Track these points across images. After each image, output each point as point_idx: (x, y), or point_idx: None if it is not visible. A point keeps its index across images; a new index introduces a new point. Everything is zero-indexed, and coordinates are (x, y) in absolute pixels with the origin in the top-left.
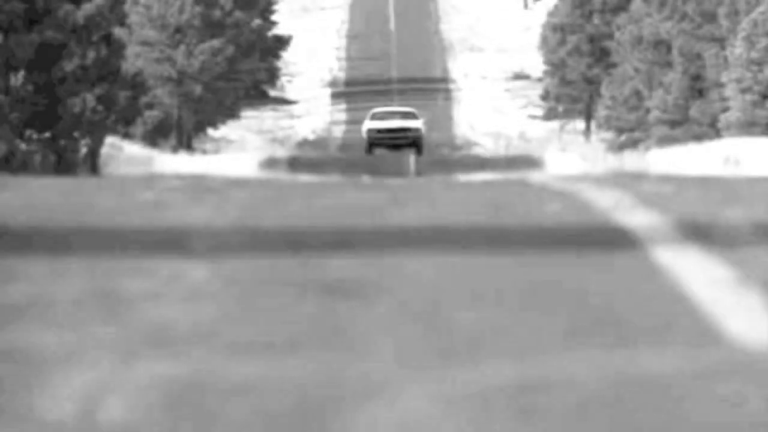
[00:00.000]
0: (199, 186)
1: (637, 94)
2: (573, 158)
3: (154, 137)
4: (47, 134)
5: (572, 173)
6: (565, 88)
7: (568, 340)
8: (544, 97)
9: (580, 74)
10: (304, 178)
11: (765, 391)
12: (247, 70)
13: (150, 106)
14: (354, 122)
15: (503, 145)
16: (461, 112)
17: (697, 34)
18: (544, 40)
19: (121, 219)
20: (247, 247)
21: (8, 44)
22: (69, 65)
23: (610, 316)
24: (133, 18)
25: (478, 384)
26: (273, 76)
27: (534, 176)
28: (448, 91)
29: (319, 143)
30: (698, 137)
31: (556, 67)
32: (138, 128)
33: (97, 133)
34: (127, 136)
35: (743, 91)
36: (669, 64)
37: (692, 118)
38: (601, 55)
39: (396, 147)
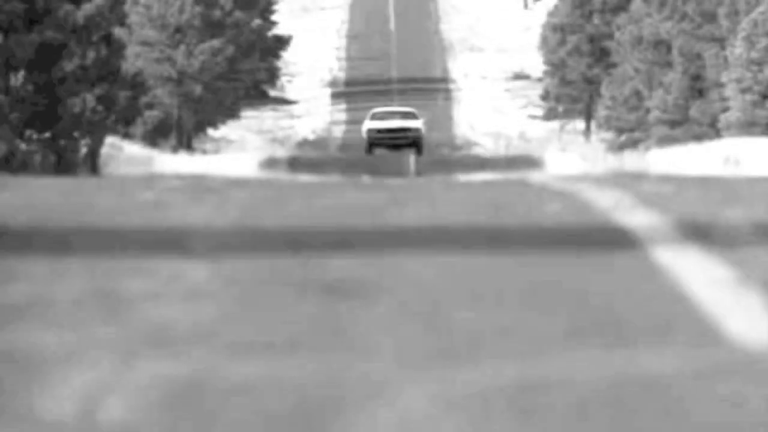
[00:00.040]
0: (199, 186)
1: (637, 94)
2: (573, 158)
3: (154, 137)
4: (47, 134)
5: (572, 173)
6: (565, 88)
7: (568, 340)
8: (544, 97)
9: (580, 74)
10: (304, 178)
11: (765, 391)
12: (247, 70)
13: (150, 106)
14: (354, 122)
15: (503, 145)
16: (461, 112)
17: (697, 34)
18: (544, 40)
19: (121, 219)
20: (247, 247)
21: (8, 44)
22: (69, 65)
23: (610, 316)
24: (133, 18)
25: (478, 384)
26: (273, 76)
27: (534, 176)
28: (448, 91)
29: (319, 143)
30: (698, 137)
31: (556, 67)
32: (138, 128)
33: (97, 133)
34: (127, 136)
35: (743, 91)
36: (669, 64)
37: (692, 118)
38: (601, 55)
39: (396, 147)
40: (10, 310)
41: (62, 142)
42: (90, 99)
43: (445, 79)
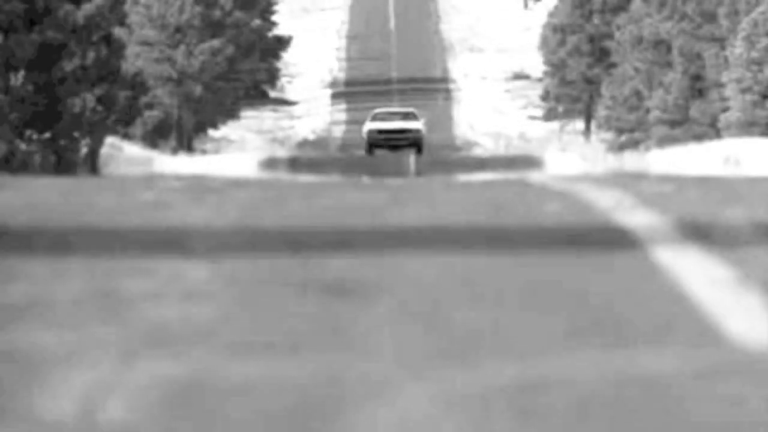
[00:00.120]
0: (199, 186)
1: (637, 94)
2: (573, 158)
3: (154, 137)
4: (47, 134)
5: (572, 173)
6: (565, 88)
7: (568, 340)
8: (544, 97)
9: (580, 74)
10: (304, 178)
11: (765, 391)
12: (247, 71)
13: (150, 106)
14: (354, 122)
15: (503, 145)
16: (461, 112)
17: (697, 34)
18: (544, 41)
19: (121, 219)
20: (247, 247)
21: (8, 44)
22: (69, 65)
23: (610, 316)
24: (133, 18)
25: (478, 384)
26: (273, 76)
27: (534, 176)
28: (448, 91)
29: (319, 143)
30: (698, 137)
31: (556, 67)
32: (138, 128)
33: (97, 133)
34: (126, 136)
35: (743, 91)
36: (669, 64)
37: (692, 118)
38: (601, 55)
39: (396, 148)
40: (10, 310)
41: (62, 142)
42: (90, 99)
43: (445, 79)
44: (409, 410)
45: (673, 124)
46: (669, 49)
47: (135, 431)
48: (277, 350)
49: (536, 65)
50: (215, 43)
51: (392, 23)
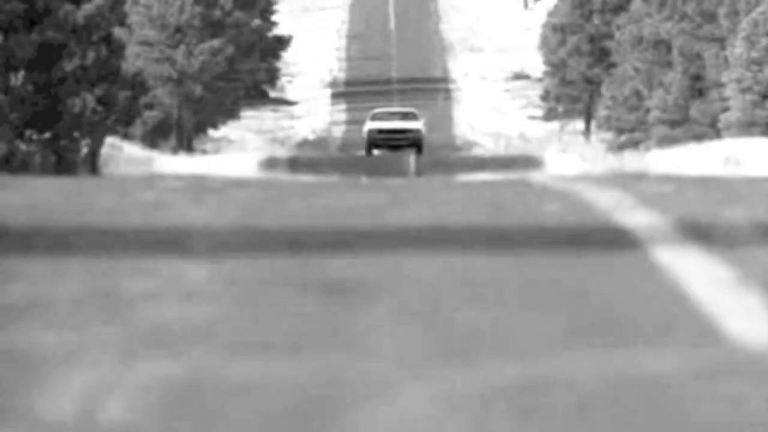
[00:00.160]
0: (199, 186)
1: (637, 94)
2: (573, 159)
3: (154, 138)
4: (47, 134)
5: (572, 173)
6: (565, 88)
7: (568, 340)
8: (544, 97)
9: (580, 74)
10: (304, 178)
11: (765, 391)
12: (247, 70)
13: (150, 106)
14: (354, 122)
15: (503, 145)
16: (461, 112)
17: (697, 34)
18: (544, 40)
19: (121, 219)
20: (247, 247)
21: (8, 44)
22: (69, 65)
23: (610, 316)
24: (133, 18)
25: (478, 384)
26: (273, 76)
27: (534, 176)
28: (448, 91)
29: (319, 143)
30: (698, 137)
31: (556, 67)
32: (138, 128)
33: (97, 133)
34: (126, 136)
35: (743, 91)
36: (669, 64)
37: (692, 118)
38: (601, 55)
39: (396, 148)
40: (10, 310)
41: (62, 142)
42: (90, 99)
43: (445, 79)
44: (409, 410)
45: (673, 124)
46: (669, 49)
47: (135, 431)
48: (277, 350)
49: (536, 65)
50: (215, 43)
51: (392, 23)
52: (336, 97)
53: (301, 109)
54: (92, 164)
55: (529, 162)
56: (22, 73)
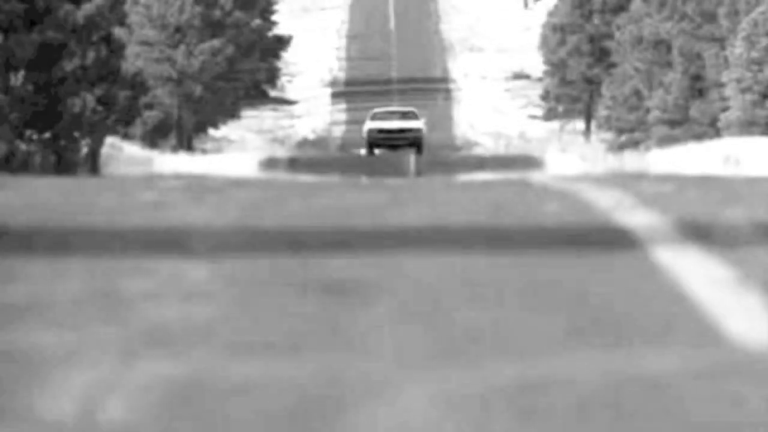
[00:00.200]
0: (199, 186)
1: (637, 94)
2: (573, 159)
3: (154, 137)
4: (47, 134)
5: (572, 173)
6: (565, 88)
7: (568, 340)
8: (544, 97)
9: (580, 74)
10: (304, 178)
11: (765, 391)
12: (247, 70)
13: (150, 106)
14: (354, 122)
15: (503, 145)
16: (461, 112)
17: (697, 34)
18: (544, 40)
19: (121, 219)
20: (247, 247)
21: (8, 44)
22: (69, 65)
23: (610, 316)
24: (133, 18)
25: (478, 384)
26: (273, 76)
27: (534, 176)
28: (448, 91)
29: (319, 143)
30: (698, 137)
31: (556, 67)
32: (138, 128)
33: (97, 133)
34: (126, 136)
35: (743, 90)
36: (669, 64)
37: (692, 118)
38: (601, 55)
39: (396, 147)
40: (10, 310)
41: (62, 142)
42: (90, 99)
43: (445, 79)
44: (409, 410)
45: (673, 124)
46: (669, 49)
47: (135, 431)
48: (277, 350)
49: (536, 65)
50: (215, 43)
51: (392, 23)
52: (336, 96)
53: (301, 108)
54: (92, 164)
55: (529, 162)
56: (22, 73)
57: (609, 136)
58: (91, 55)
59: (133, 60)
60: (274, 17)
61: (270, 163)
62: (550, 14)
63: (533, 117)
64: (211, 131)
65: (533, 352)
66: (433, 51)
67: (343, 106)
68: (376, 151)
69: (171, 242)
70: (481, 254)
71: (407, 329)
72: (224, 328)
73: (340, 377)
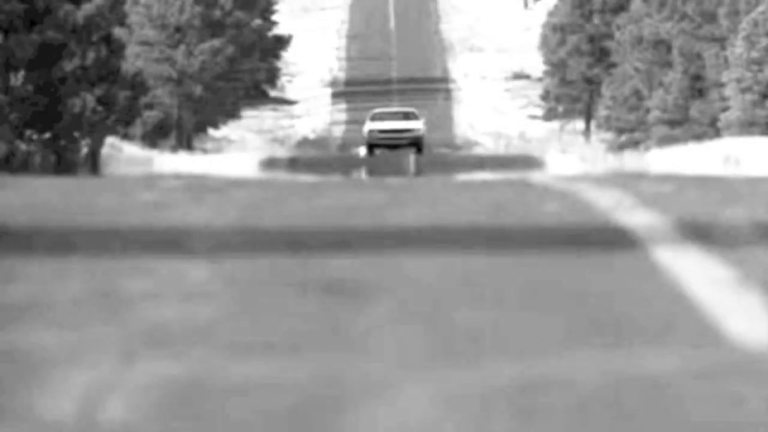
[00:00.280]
0: (199, 186)
1: (637, 94)
2: (572, 160)
3: (154, 137)
4: (47, 134)
5: (572, 173)
6: (565, 88)
7: (568, 340)
8: (544, 97)
9: (580, 74)
10: (304, 178)
11: (765, 391)
12: (247, 70)
13: (150, 106)
14: (354, 122)
15: (503, 145)
16: (461, 112)
17: (697, 34)
18: (544, 40)
19: (121, 219)
20: (247, 247)
21: (8, 44)
22: (69, 65)
23: (610, 316)
24: (133, 18)
25: (478, 384)
26: (273, 76)
27: (534, 176)
28: (448, 91)
29: (319, 143)
30: (698, 137)
31: (556, 67)
32: (138, 129)
33: (97, 133)
34: (126, 136)
35: (743, 90)
36: (669, 64)
37: (692, 118)
38: (601, 55)
39: (397, 148)
40: (10, 310)
41: (62, 142)
42: (90, 99)
43: (445, 79)
44: (409, 410)
45: (673, 124)
46: (669, 49)
47: (135, 431)
48: (277, 350)
49: (536, 65)
50: (215, 43)
51: (392, 23)
52: (336, 96)
53: (301, 108)
54: (92, 164)
55: (529, 162)
56: (22, 73)
57: (609, 136)
58: (91, 55)
59: (133, 60)
60: (274, 17)
61: (270, 163)
62: (550, 14)
63: (533, 117)
64: (211, 131)
65: (533, 352)
66: (433, 51)
67: (343, 106)
68: (377, 152)
69: (171, 242)
70: (481, 254)
71: (407, 329)
72: (224, 328)
73: (340, 377)
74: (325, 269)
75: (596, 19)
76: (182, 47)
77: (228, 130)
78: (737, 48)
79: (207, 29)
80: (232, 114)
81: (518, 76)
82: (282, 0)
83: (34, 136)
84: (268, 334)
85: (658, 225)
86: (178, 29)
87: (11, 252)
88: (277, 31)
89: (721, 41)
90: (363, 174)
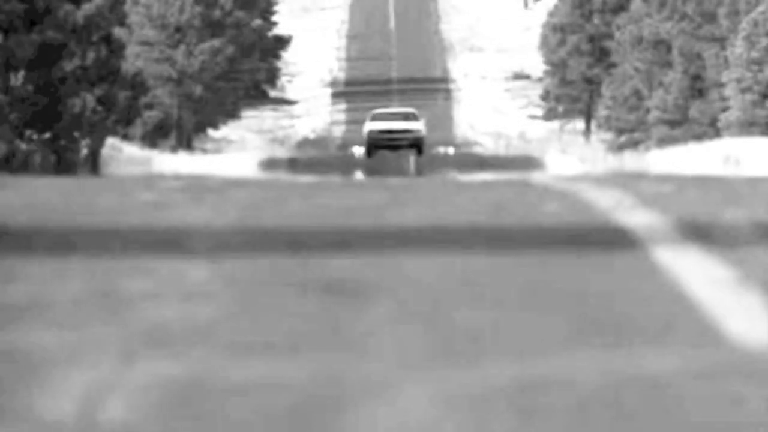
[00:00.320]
0: (199, 186)
1: (637, 94)
2: (572, 160)
3: (154, 138)
4: (47, 134)
5: (572, 173)
6: (565, 88)
7: (568, 340)
8: (544, 97)
9: (580, 74)
10: (304, 178)
11: (765, 391)
12: (247, 70)
13: (150, 106)
14: (354, 122)
15: (503, 145)
16: (461, 112)
17: (697, 34)
18: (544, 40)
19: (121, 219)
20: (247, 247)
21: (8, 44)
22: (69, 65)
23: (610, 316)
24: (133, 18)
25: (478, 384)
26: (273, 76)
27: (534, 176)
28: (448, 91)
29: (319, 143)
30: (698, 137)
31: (556, 67)
32: (138, 129)
33: (97, 133)
34: (126, 137)
35: (743, 90)
36: (669, 64)
37: (692, 118)
38: (601, 55)
39: (397, 149)
40: (10, 310)
41: (62, 142)
42: (90, 99)
43: (445, 79)
44: (409, 410)
45: (673, 124)
46: (669, 49)
47: (135, 431)
48: (277, 350)
49: (536, 65)
50: (215, 43)
51: (392, 23)
52: (336, 96)
53: (301, 108)
54: (92, 164)
55: (529, 162)
56: (22, 73)
57: (609, 136)
58: (91, 55)
59: (133, 60)
60: (274, 17)
61: (270, 164)
62: (550, 14)
63: (533, 117)
64: (211, 131)
65: (533, 352)
66: (433, 51)
67: (343, 106)
68: (375, 153)
69: (171, 242)
70: (481, 254)
71: (407, 329)
72: (224, 328)
73: (340, 377)
74: (325, 269)
75: (596, 19)
76: (182, 47)
77: (228, 131)
78: (737, 48)
79: (207, 29)
80: (232, 114)
81: (518, 76)
82: (282, 0)
83: (34, 136)
84: (268, 334)
85: (658, 225)
86: (178, 29)
87: (11, 252)
88: (277, 31)
89: (721, 41)
90: (360, 174)
